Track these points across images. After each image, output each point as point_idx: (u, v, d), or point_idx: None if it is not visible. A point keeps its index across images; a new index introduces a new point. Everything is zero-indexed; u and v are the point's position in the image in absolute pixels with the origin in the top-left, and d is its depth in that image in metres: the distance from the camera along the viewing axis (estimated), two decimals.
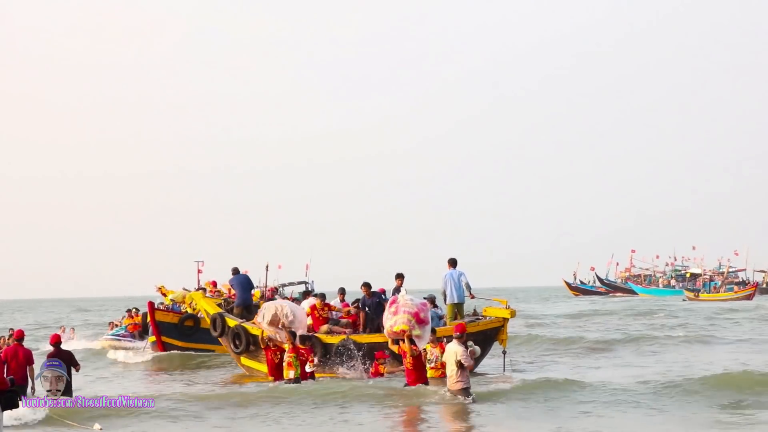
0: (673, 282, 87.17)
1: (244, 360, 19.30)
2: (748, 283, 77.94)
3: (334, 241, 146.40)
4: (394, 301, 16.43)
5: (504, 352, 17.84)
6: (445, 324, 17.85)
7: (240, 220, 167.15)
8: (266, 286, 31.24)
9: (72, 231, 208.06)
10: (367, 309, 18.30)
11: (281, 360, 17.22)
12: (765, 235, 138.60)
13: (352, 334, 18.12)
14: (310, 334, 17.86)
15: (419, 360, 15.45)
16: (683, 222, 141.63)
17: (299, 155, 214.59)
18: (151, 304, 25.50)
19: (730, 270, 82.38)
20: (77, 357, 14.28)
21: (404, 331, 15.79)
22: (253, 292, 21.01)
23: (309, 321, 18.38)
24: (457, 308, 18.19)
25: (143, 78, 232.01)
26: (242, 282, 20.17)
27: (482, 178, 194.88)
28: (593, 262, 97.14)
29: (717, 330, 31.21)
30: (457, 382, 14.27)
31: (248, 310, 19.67)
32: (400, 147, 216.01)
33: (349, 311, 19.04)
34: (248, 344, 18.79)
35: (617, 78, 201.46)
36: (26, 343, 14.40)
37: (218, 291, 24.21)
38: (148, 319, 26.03)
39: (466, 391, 14.29)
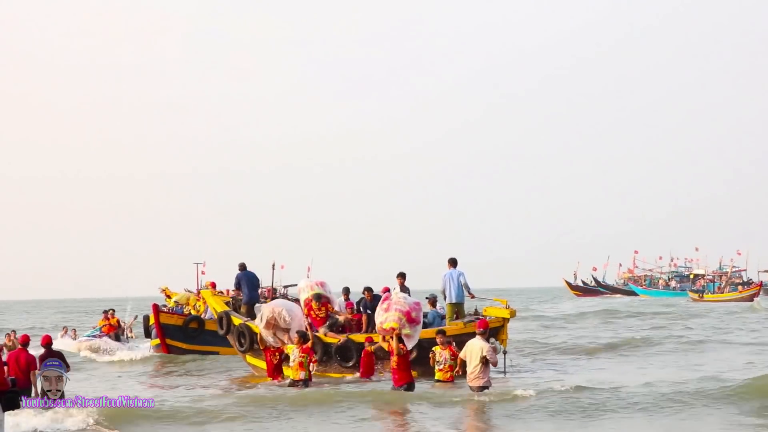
0: (672, 283, 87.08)
1: (249, 358, 19.43)
2: (752, 282, 77.76)
3: (335, 242, 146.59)
4: (387, 298, 16.23)
5: (504, 353, 17.72)
6: (445, 324, 17.91)
7: (240, 221, 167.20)
8: (271, 286, 31.00)
9: (72, 231, 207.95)
10: (368, 311, 18.36)
11: (280, 360, 17.35)
12: (765, 236, 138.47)
13: (351, 334, 18.16)
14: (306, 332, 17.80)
15: (405, 359, 15.32)
16: (683, 222, 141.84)
17: (299, 156, 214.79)
18: (155, 307, 25.47)
19: (733, 270, 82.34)
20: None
21: (394, 329, 15.50)
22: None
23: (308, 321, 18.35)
24: (457, 308, 18.19)
25: (143, 78, 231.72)
26: (250, 279, 19.72)
27: (482, 178, 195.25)
28: (594, 262, 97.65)
29: (732, 332, 30.98)
30: (479, 378, 14.23)
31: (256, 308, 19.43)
32: (401, 147, 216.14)
33: (353, 311, 19.05)
34: (252, 343, 18.82)
35: (617, 78, 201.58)
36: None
37: (220, 292, 23.85)
38: (151, 321, 25.86)
39: (485, 389, 14.21)
